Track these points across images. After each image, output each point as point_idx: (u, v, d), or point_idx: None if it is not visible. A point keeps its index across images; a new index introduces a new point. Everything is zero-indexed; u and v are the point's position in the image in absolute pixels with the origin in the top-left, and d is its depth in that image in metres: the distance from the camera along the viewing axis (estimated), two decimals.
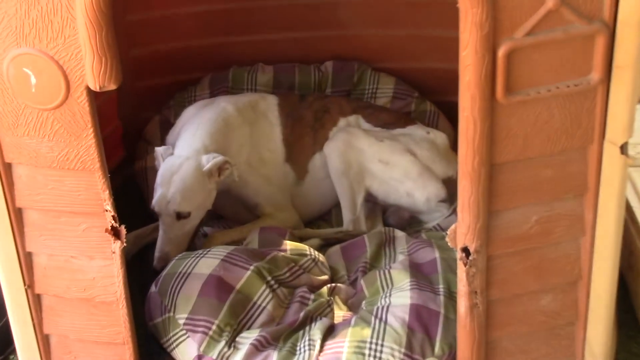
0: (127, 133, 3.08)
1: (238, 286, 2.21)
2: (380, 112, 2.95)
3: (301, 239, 2.62)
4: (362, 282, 2.38)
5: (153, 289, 2.25)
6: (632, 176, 2.79)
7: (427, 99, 3.14)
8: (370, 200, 2.79)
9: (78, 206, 1.93)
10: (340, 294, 2.38)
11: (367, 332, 2.08)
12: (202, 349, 2.12)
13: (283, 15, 3.15)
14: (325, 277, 2.43)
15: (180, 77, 3.17)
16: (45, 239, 2.00)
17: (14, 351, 2.22)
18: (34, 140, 1.87)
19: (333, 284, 2.39)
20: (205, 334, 2.12)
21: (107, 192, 1.88)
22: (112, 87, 1.77)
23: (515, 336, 2.01)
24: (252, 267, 2.25)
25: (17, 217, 1.98)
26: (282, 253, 2.39)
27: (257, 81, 3.15)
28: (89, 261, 1.99)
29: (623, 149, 1.79)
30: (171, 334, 2.17)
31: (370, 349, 2.05)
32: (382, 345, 2.05)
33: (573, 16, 1.68)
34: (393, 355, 2.04)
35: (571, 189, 1.87)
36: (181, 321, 2.15)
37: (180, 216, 2.47)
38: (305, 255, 2.44)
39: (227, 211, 2.83)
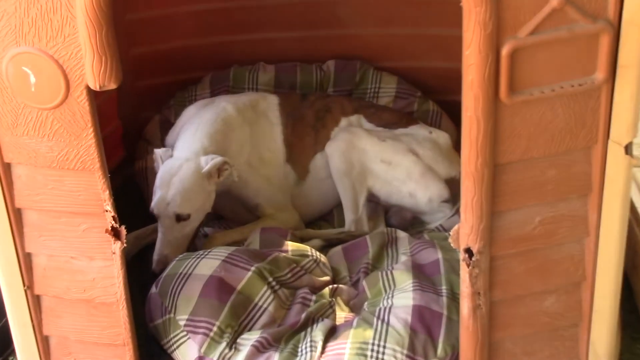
0: (127, 133, 3.08)
1: (239, 287, 2.20)
2: (383, 111, 2.94)
3: (302, 240, 2.61)
4: (364, 283, 2.37)
5: (153, 289, 2.25)
6: (636, 176, 2.79)
7: (430, 99, 3.14)
8: (373, 200, 2.78)
9: (78, 206, 1.93)
10: (342, 295, 2.37)
11: (369, 334, 2.08)
12: (202, 350, 2.11)
13: (284, 14, 3.14)
14: (327, 278, 2.43)
15: (181, 76, 3.17)
16: (45, 240, 1.99)
17: (13, 353, 2.21)
18: (34, 140, 1.87)
19: (335, 285, 2.39)
20: (206, 335, 2.12)
21: (107, 192, 1.88)
22: (112, 86, 1.76)
23: (519, 337, 2.00)
24: (253, 268, 2.25)
25: (16, 217, 1.97)
26: (284, 254, 2.39)
27: (258, 80, 3.14)
28: (89, 262, 1.99)
29: (627, 149, 1.78)
30: (172, 335, 2.16)
31: (372, 350, 2.04)
32: (384, 347, 2.05)
33: (577, 15, 1.67)
34: (395, 357, 2.04)
35: (575, 189, 1.86)
36: (182, 322, 2.15)
37: (179, 218, 2.46)
38: (307, 256, 2.43)
39: (228, 212, 2.82)
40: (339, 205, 2.81)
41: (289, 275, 2.32)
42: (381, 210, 2.82)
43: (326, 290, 2.34)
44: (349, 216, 2.74)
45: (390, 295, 2.22)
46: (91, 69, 1.74)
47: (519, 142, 1.77)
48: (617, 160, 1.81)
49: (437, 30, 3.05)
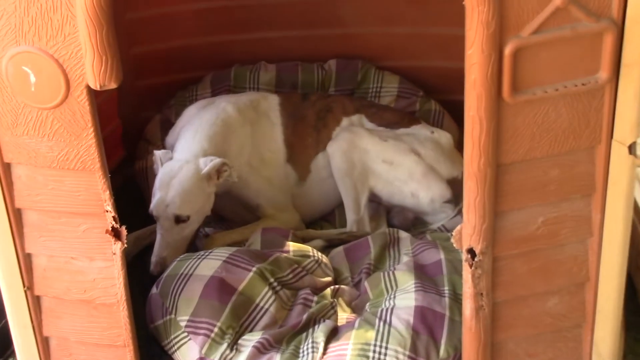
0: (128, 132, 3.07)
1: (240, 288, 2.20)
2: (384, 111, 2.94)
3: (304, 240, 2.61)
4: (366, 283, 2.37)
5: (154, 290, 2.24)
6: None
7: (432, 98, 3.13)
8: (374, 200, 2.78)
9: (78, 207, 1.92)
10: (344, 295, 2.36)
11: (371, 335, 2.07)
12: (204, 351, 2.11)
13: (285, 13, 3.14)
14: (328, 278, 2.42)
15: (181, 75, 3.16)
16: (45, 240, 1.98)
17: (13, 354, 2.21)
18: (34, 139, 1.86)
19: (336, 286, 2.38)
20: (207, 336, 2.11)
21: (108, 192, 1.88)
22: (113, 86, 1.76)
23: (521, 338, 1.99)
24: (254, 269, 2.24)
25: (16, 217, 1.97)
26: (285, 254, 2.38)
27: (259, 80, 3.13)
28: (90, 262, 1.99)
29: (631, 148, 1.78)
30: (172, 336, 2.16)
31: (374, 351, 2.04)
32: (386, 348, 2.04)
33: (581, 14, 1.67)
34: (397, 358, 2.03)
35: (578, 189, 1.86)
36: (183, 323, 2.14)
37: (178, 220, 2.46)
38: (309, 256, 2.42)
39: (228, 212, 2.82)
40: (340, 206, 2.81)
41: (290, 276, 2.32)
42: (383, 211, 2.81)
43: (328, 291, 2.34)
44: (350, 216, 2.73)
45: (392, 296, 2.21)
46: (91, 69, 1.73)
47: (521, 142, 1.77)
48: (621, 160, 1.80)
49: (439, 29, 3.05)
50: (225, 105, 2.77)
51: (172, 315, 2.17)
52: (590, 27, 1.68)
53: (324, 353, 2.07)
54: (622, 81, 1.74)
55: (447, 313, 2.12)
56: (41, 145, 1.86)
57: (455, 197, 2.70)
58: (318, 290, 2.34)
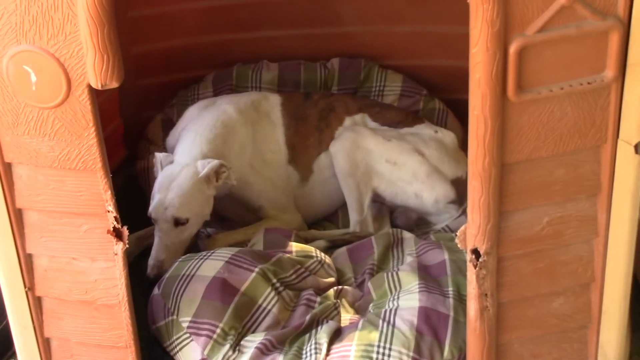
0: (129, 132, 3.07)
1: (243, 289, 2.19)
2: (388, 110, 2.92)
3: (307, 241, 2.60)
4: (369, 284, 2.36)
5: (156, 291, 2.24)
6: None
7: (436, 97, 3.11)
8: (378, 201, 2.77)
9: (79, 207, 1.92)
10: (347, 296, 2.36)
11: (374, 336, 2.06)
12: (206, 352, 2.10)
13: (288, 12, 3.13)
14: (331, 279, 2.41)
15: (183, 75, 3.16)
16: (46, 241, 1.98)
17: (14, 355, 2.20)
18: (35, 139, 1.85)
19: (340, 287, 2.38)
20: (210, 337, 2.11)
21: (109, 192, 1.87)
22: (114, 85, 1.75)
23: (526, 339, 1.99)
24: (257, 269, 2.23)
25: (17, 218, 1.96)
26: (288, 255, 2.38)
27: (261, 79, 3.12)
28: (91, 263, 1.98)
29: (637, 148, 1.77)
30: (174, 337, 2.15)
31: (378, 352, 2.03)
32: (390, 349, 2.03)
33: (586, 12, 1.66)
34: (401, 359, 2.01)
35: (584, 189, 1.85)
36: (185, 324, 2.14)
37: (177, 222, 2.45)
38: (311, 257, 2.42)
39: (230, 213, 2.81)
40: (343, 206, 2.80)
41: (293, 277, 2.31)
42: (386, 211, 2.80)
43: (331, 292, 2.33)
44: (353, 217, 2.73)
45: (395, 297, 2.20)
46: (93, 68, 1.73)
47: (526, 141, 1.76)
48: (627, 159, 1.79)
49: (443, 27, 3.04)
50: (225, 107, 2.76)
51: (174, 316, 2.16)
52: (595, 25, 1.67)
53: (327, 354, 2.06)
54: (628, 80, 1.73)
55: (452, 314, 2.11)
56: (42, 145, 1.85)
57: (460, 197, 2.69)
58: (321, 291, 2.34)
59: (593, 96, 1.75)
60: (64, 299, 2.03)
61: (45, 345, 2.11)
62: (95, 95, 1.79)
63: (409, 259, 2.44)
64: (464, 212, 2.48)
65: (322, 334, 2.11)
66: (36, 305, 2.05)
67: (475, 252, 1.83)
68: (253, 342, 2.11)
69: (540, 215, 1.85)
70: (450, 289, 2.21)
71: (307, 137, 2.82)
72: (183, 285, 2.19)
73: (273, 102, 2.86)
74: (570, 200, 1.86)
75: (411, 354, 2.02)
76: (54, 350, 2.12)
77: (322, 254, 2.47)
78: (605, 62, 1.71)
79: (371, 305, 2.26)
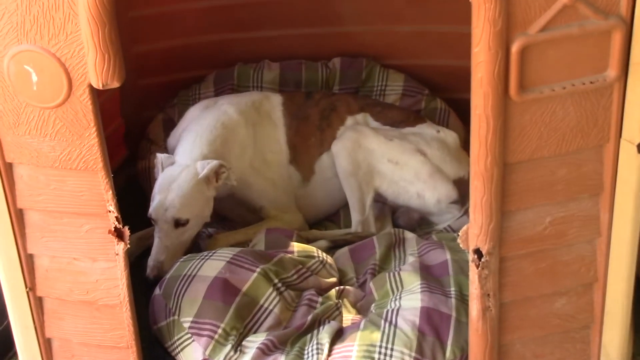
0: (130, 132, 3.07)
1: (244, 289, 2.18)
2: (390, 109, 2.92)
3: (308, 241, 2.60)
4: (371, 284, 2.35)
5: (157, 291, 2.23)
6: None
7: (437, 97, 3.11)
8: (380, 200, 2.77)
9: (80, 207, 1.91)
10: (349, 296, 2.35)
11: (376, 336, 2.06)
12: (207, 352, 2.10)
13: (289, 12, 3.12)
14: (333, 279, 2.41)
15: (184, 74, 3.16)
16: (47, 241, 1.98)
17: (15, 355, 2.20)
18: (36, 139, 1.85)
19: (341, 287, 2.37)
20: (211, 337, 2.10)
21: (111, 192, 1.87)
22: (115, 84, 1.75)
23: (529, 340, 1.98)
24: (258, 270, 2.23)
25: (18, 218, 1.96)
26: (289, 255, 2.37)
27: (263, 79, 3.12)
28: (92, 263, 1.98)
29: None
30: (176, 338, 2.15)
31: (380, 353, 2.02)
32: (392, 349, 2.03)
33: (589, 11, 1.65)
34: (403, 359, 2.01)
35: (586, 189, 1.85)
36: (186, 324, 2.13)
37: (178, 223, 2.45)
38: (313, 257, 2.41)
39: (231, 213, 2.80)
40: (345, 206, 2.79)
41: (294, 277, 2.30)
42: (388, 211, 2.80)
43: (333, 292, 2.33)
44: (355, 217, 2.72)
45: (397, 297, 2.20)
46: (94, 67, 1.72)
47: (529, 141, 1.76)
48: (630, 159, 1.79)
49: (444, 27, 3.03)
50: (226, 108, 2.76)
51: (176, 317, 2.16)
52: (598, 24, 1.67)
53: (329, 354, 2.06)
54: (630, 79, 1.73)
55: (454, 314, 2.10)
56: (43, 144, 1.85)
57: (462, 197, 2.68)
58: (323, 291, 2.33)
59: (595, 96, 1.74)
60: (65, 299, 2.03)
61: (46, 345, 2.11)
62: (97, 95, 1.79)
63: (411, 259, 2.43)
64: (466, 212, 2.48)
65: (324, 334, 2.10)
66: (37, 305, 2.05)
67: (478, 252, 1.83)
68: (255, 342, 2.10)
69: (542, 215, 1.85)
70: (453, 289, 2.20)
71: (308, 137, 2.82)
72: (184, 286, 2.19)
73: (274, 102, 2.86)
74: (573, 200, 1.85)
75: (413, 354, 2.02)
76: (55, 350, 2.12)
77: (324, 254, 2.46)
78: (608, 61, 1.70)
79: (373, 305, 2.25)
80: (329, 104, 2.86)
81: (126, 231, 1.90)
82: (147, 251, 2.56)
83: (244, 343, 2.12)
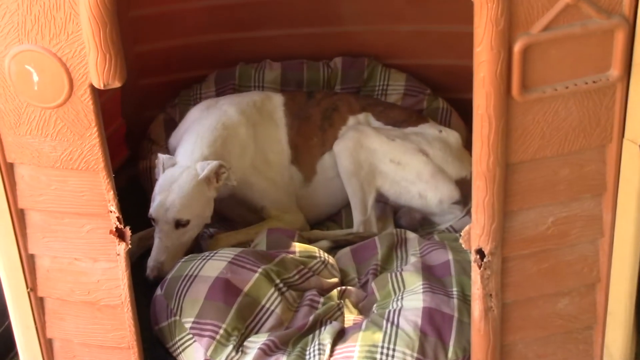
0: (131, 132, 3.06)
1: (246, 289, 2.18)
2: (391, 109, 2.91)
3: (310, 241, 2.59)
4: (373, 284, 2.35)
5: (158, 292, 2.23)
6: None
7: (439, 96, 3.10)
8: (382, 201, 2.76)
9: (82, 207, 1.91)
10: (351, 297, 2.35)
11: (378, 336, 2.05)
12: (209, 353, 2.09)
13: (290, 11, 3.12)
14: (335, 279, 2.40)
15: (185, 74, 3.15)
16: (48, 241, 1.97)
17: (16, 356, 2.20)
18: (37, 139, 1.85)
19: (343, 287, 2.37)
20: (213, 338, 2.10)
21: (112, 192, 1.86)
22: (117, 84, 1.74)
23: (531, 340, 1.98)
24: (260, 270, 2.22)
25: (19, 218, 1.96)
26: (291, 255, 2.37)
27: (264, 78, 3.11)
28: (93, 263, 1.97)
29: None
30: (177, 338, 2.14)
31: (381, 353, 2.02)
32: (394, 350, 2.02)
33: (592, 10, 1.65)
34: None
35: (589, 189, 1.84)
36: (187, 325, 2.13)
37: (178, 224, 2.45)
38: (315, 257, 2.41)
39: (233, 213, 2.80)
40: (347, 206, 2.79)
41: (296, 277, 2.30)
42: (390, 211, 2.79)
43: (334, 292, 2.32)
44: (357, 217, 2.71)
45: (399, 297, 2.19)
46: (95, 67, 1.72)
47: (531, 141, 1.75)
48: (632, 159, 1.78)
49: (446, 27, 3.02)
50: (226, 108, 2.76)
51: (177, 317, 2.15)
52: (601, 24, 1.66)
53: (331, 355, 2.05)
54: (633, 79, 1.73)
55: (456, 314, 2.10)
56: (44, 145, 1.85)
57: (464, 197, 2.68)
58: (324, 291, 2.33)
59: (598, 95, 1.74)
60: (66, 299, 2.02)
61: (47, 346, 2.11)
62: (98, 95, 1.78)
63: (412, 259, 2.43)
64: (468, 213, 2.48)
65: (326, 335, 2.10)
66: (38, 305, 2.05)
67: (480, 252, 1.82)
68: (256, 342, 2.10)
69: (545, 215, 1.84)
70: (455, 289, 2.20)
71: (310, 137, 2.81)
72: (186, 286, 2.18)
73: (276, 102, 2.85)
74: (575, 200, 1.85)
75: (415, 354, 2.01)
76: (56, 351, 2.12)
77: (326, 255, 2.46)
78: (611, 61, 1.70)
79: (375, 305, 2.25)
80: (331, 104, 2.85)
81: (127, 231, 1.90)
82: (148, 251, 2.56)
83: (245, 343, 2.12)
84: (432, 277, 2.27)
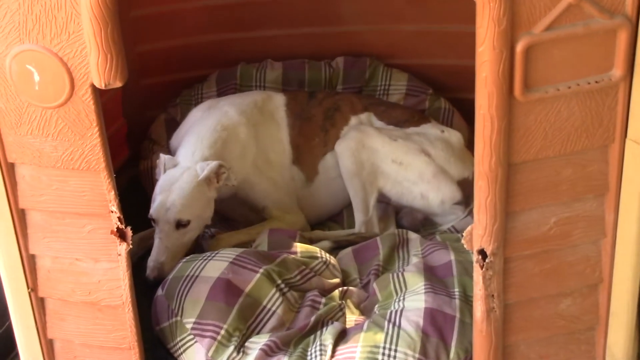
0: (132, 132, 3.06)
1: (247, 290, 2.18)
2: (394, 109, 2.91)
3: (311, 241, 2.59)
4: (374, 285, 2.34)
5: (160, 292, 2.23)
6: None
7: (441, 96, 3.10)
8: (383, 201, 2.76)
9: (83, 207, 1.91)
10: (352, 297, 2.34)
11: (380, 337, 2.05)
12: (210, 354, 2.09)
13: (292, 11, 3.12)
14: (336, 280, 2.40)
15: (187, 74, 3.15)
16: (49, 241, 1.97)
17: (17, 356, 2.19)
18: (38, 139, 1.84)
19: (345, 288, 2.37)
20: (214, 338, 2.09)
21: (113, 192, 1.86)
22: (118, 84, 1.74)
23: (533, 341, 1.97)
24: (261, 270, 2.22)
25: (20, 218, 1.95)
26: (293, 255, 2.37)
27: (265, 78, 3.11)
28: (94, 264, 1.97)
29: None
30: (178, 339, 2.14)
31: (383, 354, 2.02)
32: (395, 351, 2.02)
33: (594, 10, 1.65)
34: None
35: (591, 189, 1.84)
36: (189, 325, 2.13)
37: (179, 224, 2.45)
38: (316, 257, 2.40)
39: (234, 213, 2.80)
40: (349, 206, 2.78)
41: (298, 278, 2.29)
42: (392, 212, 2.79)
43: (336, 293, 2.32)
44: (359, 217, 2.71)
45: (401, 298, 2.19)
46: (96, 67, 1.72)
47: (533, 141, 1.75)
48: (635, 159, 1.78)
49: (448, 26, 3.02)
50: (227, 109, 2.76)
51: (178, 317, 2.15)
52: (603, 23, 1.66)
53: (332, 355, 2.05)
54: (636, 79, 1.72)
55: (458, 315, 2.10)
56: (45, 144, 1.85)
57: (466, 198, 2.67)
58: (326, 292, 2.32)
59: (601, 95, 1.73)
60: (67, 299, 2.02)
61: (48, 346, 2.10)
62: (99, 94, 1.78)
63: (414, 259, 2.42)
64: (470, 213, 2.47)
65: (327, 335, 2.09)
66: (39, 306, 2.05)
67: (482, 252, 1.82)
68: (257, 343, 2.09)
69: (547, 216, 1.84)
70: (457, 290, 2.19)
71: (312, 137, 2.81)
72: (187, 286, 2.18)
73: (277, 103, 2.85)
74: (578, 200, 1.84)
75: (417, 355, 2.01)
76: (57, 351, 2.11)
77: (327, 255, 2.46)
78: (613, 60, 1.69)
79: (376, 306, 2.25)
80: (333, 104, 2.85)
81: (128, 231, 1.89)
82: (149, 252, 2.56)
83: (246, 344, 2.11)
84: (434, 277, 2.26)
